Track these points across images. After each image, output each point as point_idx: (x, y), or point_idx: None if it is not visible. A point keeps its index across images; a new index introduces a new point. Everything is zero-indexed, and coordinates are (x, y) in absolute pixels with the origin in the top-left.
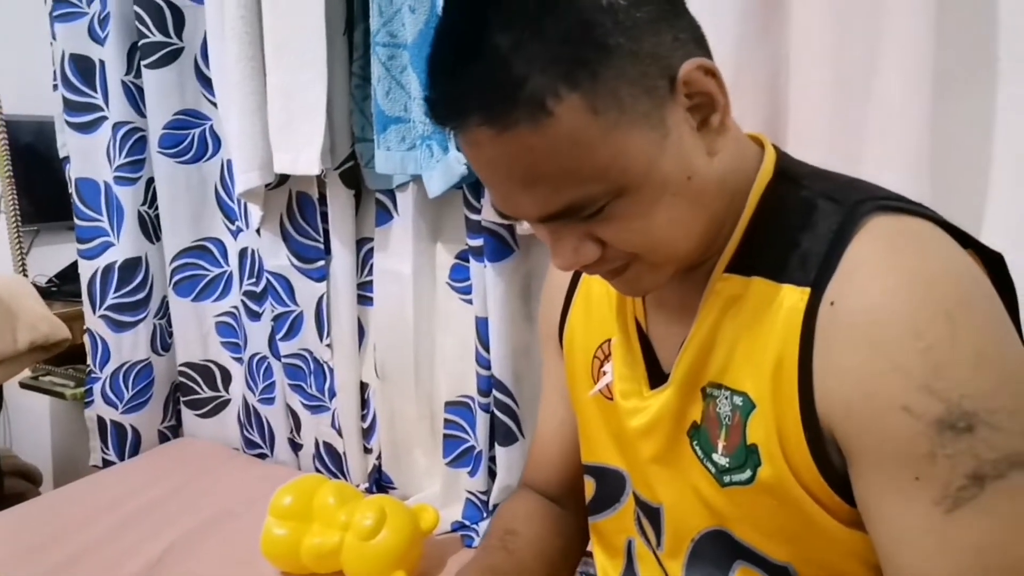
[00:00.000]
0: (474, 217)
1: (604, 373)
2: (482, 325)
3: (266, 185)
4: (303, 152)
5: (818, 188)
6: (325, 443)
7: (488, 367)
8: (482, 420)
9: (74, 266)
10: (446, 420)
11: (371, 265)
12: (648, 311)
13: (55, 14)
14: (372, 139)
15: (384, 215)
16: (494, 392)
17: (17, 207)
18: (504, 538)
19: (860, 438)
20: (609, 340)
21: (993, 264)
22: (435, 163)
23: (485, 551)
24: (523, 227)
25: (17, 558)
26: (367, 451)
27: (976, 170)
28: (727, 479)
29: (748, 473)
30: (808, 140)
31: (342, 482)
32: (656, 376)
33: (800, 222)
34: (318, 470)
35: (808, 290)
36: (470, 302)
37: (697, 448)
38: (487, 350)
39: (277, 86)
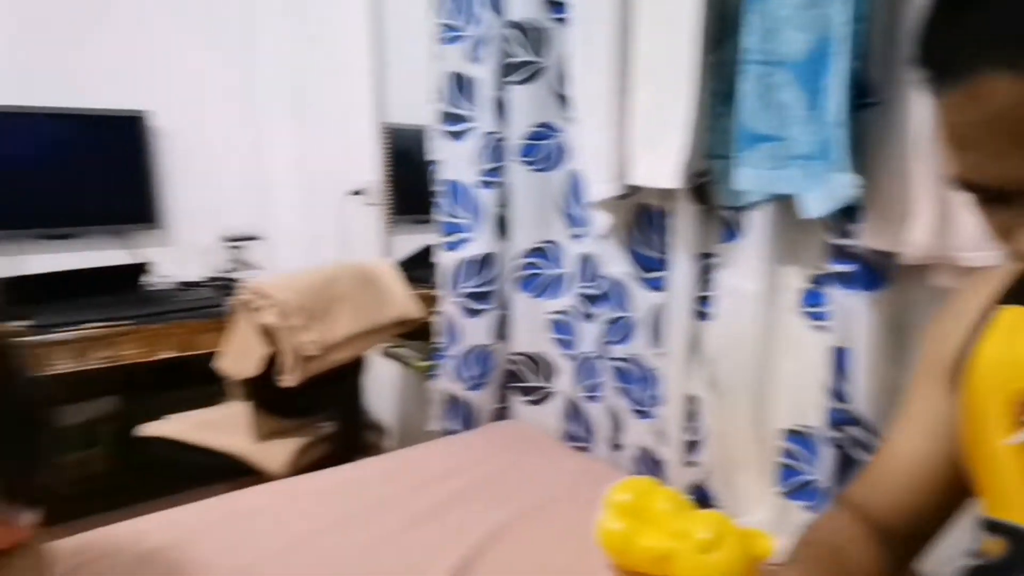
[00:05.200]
0: (843, 242)
1: None
2: (842, 356)
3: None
4: (661, 166)
5: None
6: (646, 449)
7: (845, 400)
8: (829, 455)
9: (422, 253)
10: (783, 448)
11: (711, 280)
12: None
13: (445, 37)
14: (728, 156)
15: (731, 232)
16: (852, 428)
17: (390, 201)
18: (839, 555)
19: None
20: None
21: None
22: (814, 184)
23: (815, 563)
24: (910, 254)
25: (369, 510)
26: (689, 464)
27: None
28: None
29: None
30: None
31: (674, 490)
32: None
33: None
34: (637, 473)
35: None
36: (823, 329)
37: None
38: (846, 383)
39: (642, 101)
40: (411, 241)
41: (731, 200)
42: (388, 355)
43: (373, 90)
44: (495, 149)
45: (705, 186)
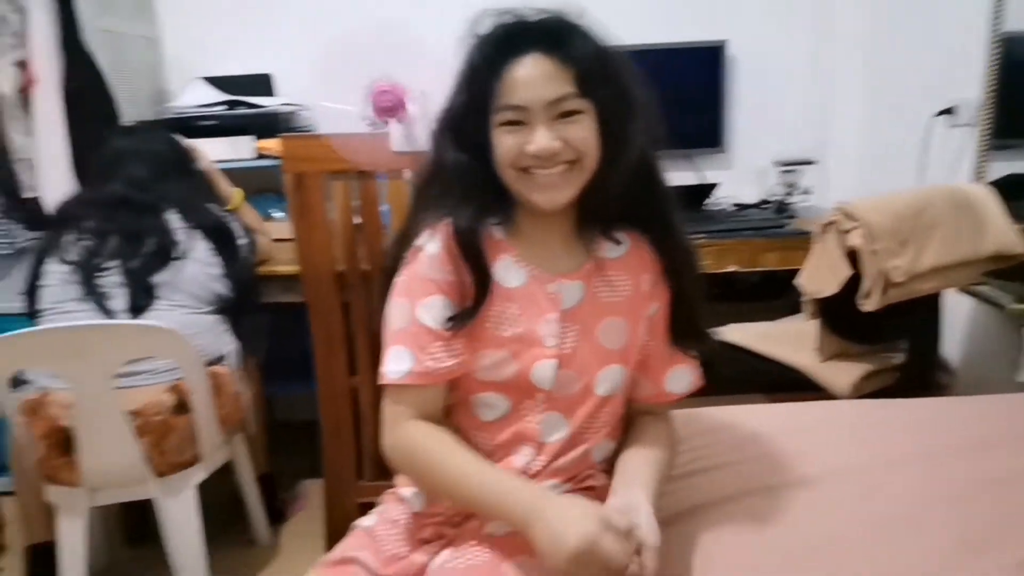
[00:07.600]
0: None
1: None
2: None
3: None
4: None
5: None
6: None
7: None
8: None
9: (1001, 183)
10: None
11: None
12: None
13: None
14: None
15: None
16: None
17: (992, 120)
18: None
19: None
20: None
21: None
22: None
23: None
24: None
25: (953, 452)
26: None
27: None
28: None
29: None
30: None
31: None
32: None
33: None
34: None
35: None
36: None
37: None
38: None
39: None
40: (999, 169)
41: None
42: (968, 292)
43: None
44: None
45: None
